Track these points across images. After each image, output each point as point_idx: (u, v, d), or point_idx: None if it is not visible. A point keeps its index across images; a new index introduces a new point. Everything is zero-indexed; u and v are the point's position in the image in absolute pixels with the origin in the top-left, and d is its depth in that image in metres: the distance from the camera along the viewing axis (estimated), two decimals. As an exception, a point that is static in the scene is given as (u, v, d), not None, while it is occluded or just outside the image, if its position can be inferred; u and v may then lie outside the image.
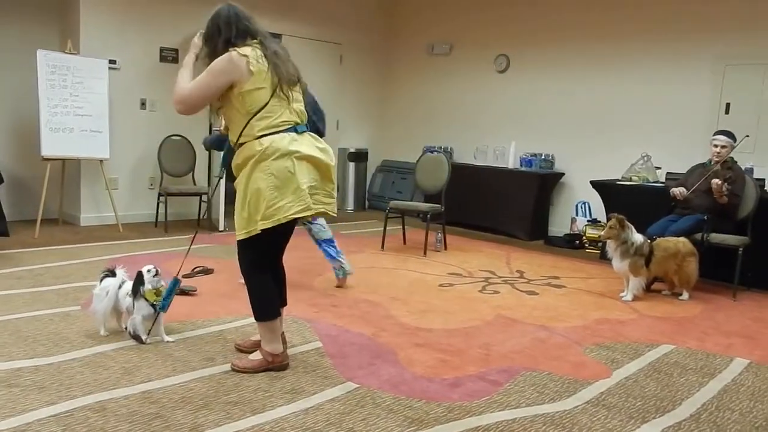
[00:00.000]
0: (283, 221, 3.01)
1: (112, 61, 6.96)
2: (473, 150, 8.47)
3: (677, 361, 3.71)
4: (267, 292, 3.21)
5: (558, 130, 7.85)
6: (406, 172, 8.96)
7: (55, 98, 6.46)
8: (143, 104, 7.38)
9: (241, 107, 3.05)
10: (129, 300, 3.51)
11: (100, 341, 3.53)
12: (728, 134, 5.43)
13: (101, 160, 6.80)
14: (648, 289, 5.23)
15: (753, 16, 6.29)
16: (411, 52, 9.42)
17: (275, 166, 2.99)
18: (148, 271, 3.51)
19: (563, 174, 7.81)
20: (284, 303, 3.45)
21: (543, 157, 7.79)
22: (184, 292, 4.53)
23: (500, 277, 5.63)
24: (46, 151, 6.41)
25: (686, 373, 3.53)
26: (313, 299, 4.60)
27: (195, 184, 7.52)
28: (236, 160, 3.13)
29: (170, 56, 7.51)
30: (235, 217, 3.10)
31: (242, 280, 3.28)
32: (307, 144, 3.08)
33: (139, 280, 3.50)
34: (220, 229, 7.09)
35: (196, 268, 5.16)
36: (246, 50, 3.03)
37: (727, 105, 6.50)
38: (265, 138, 3.01)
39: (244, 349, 3.48)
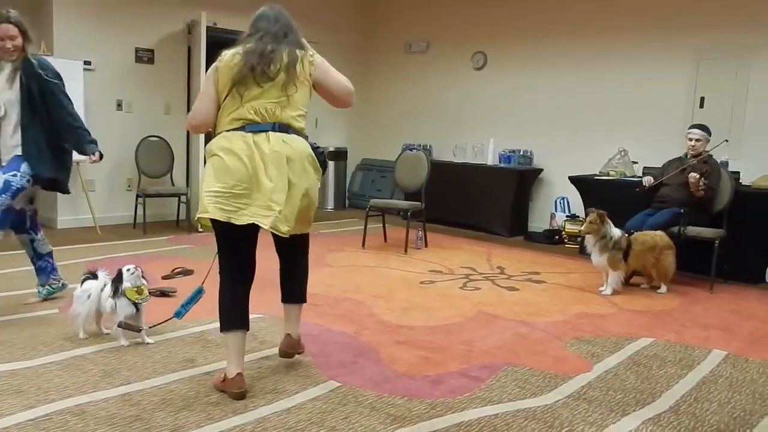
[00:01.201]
0: (205, 220, 2.83)
1: (86, 62, 6.89)
2: (452, 147, 8.49)
3: (656, 353, 3.75)
4: (221, 299, 2.96)
5: (536, 127, 7.89)
6: (386, 170, 8.96)
7: (29, 100, 6.36)
8: (119, 105, 7.30)
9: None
10: (111, 302, 3.49)
11: (79, 344, 3.49)
12: (703, 128, 5.49)
13: (77, 162, 6.71)
14: (627, 282, 5.28)
15: (727, 11, 6.37)
16: (389, 50, 9.42)
17: (206, 167, 2.89)
18: (128, 269, 3.49)
19: (542, 170, 7.86)
20: (292, 299, 3.29)
21: (521, 153, 7.83)
22: (164, 294, 4.49)
23: (481, 273, 5.65)
24: (21, 153, 6.31)
25: (665, 365, 3.56)
26: (294, 299, 4.58)
27: (173, 184, 7.47)
28: None
29: (146, 57, 7.44)
30: None
31: None
32: (243, 144, 2.78)
33: (118, 278, 3.48)
34: (199, 230, 7.03)
35: (176, 269, 5.13)
36: (229, 51, 2.95)
37: (702, 99, 6.58)
38: (216, 136, 2.90)
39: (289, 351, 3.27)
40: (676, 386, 3.27)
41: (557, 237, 7.32)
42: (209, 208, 2.77)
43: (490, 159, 7.96)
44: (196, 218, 3.00)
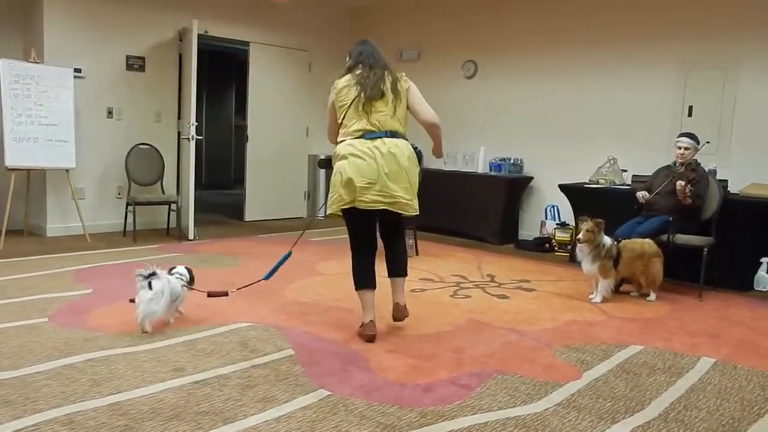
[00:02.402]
0: (336, 211, 3.80)
1: (77, 70, 6.88)
2: (443, 155, 8.50)
3: (645, 361, 3.77)
4: (354, 268, 3.92)
5: (526, 135, 7.93)
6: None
7: (19, 108, 6.36)
8: (110, 113, 7.29)
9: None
10: (184, 292, 4.10)
11: (67, 353, 3.47)
12: (691, 136, 5.54)
13: (67, 170, 6.70)
14: (616, 290, 5.30)
15: (713, 22, 6.43)
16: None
17: (336, 167, 3.76)
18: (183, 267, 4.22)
19: (532, 178, 7.89)
20: (393, 273, 4.04)
21: (512, 161, 7.86)
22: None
23: (471, 281, 5.66)
24: (11, 161, 6.30)
25: (654, 373, 3.58)
26: (285, 307, 4.58)
27: (164, 192, 7.46)
28: None
29: (136, 64, 7.44)
30: None
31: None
32: (365, 148, 3.68)
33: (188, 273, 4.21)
34: (190, 238, 7.02)
35: (165, 277, 5.10)
36: (342, 79, 3.88)
37: (690, 108, 6.63)
38: (339, 144, 3.80)
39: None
40: (665, 394, 3.29)
41: (547, 245, 7.34)
42: (342, 200, 3.74)
43: (481, 167, 7.99)
44: (327, 213, 3.91)
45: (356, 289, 3.93)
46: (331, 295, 4.98)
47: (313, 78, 9.10)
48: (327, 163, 9.19)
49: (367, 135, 3.72)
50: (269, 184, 8.82)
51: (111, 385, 3.08)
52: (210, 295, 4.27)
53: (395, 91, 3.79)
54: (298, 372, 3.36)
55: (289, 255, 4.27)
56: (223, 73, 12.58)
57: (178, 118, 7.83)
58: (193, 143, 7.06)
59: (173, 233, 7.29)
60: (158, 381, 3.17)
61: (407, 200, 3.76)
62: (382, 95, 3.75)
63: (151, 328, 3.89)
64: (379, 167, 3.66)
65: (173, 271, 4.15)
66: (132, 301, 4.50)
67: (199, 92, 8.24)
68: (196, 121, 7.14)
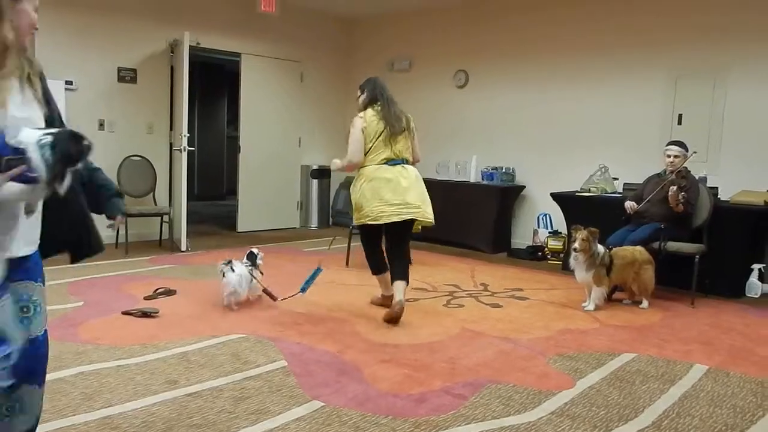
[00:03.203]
0: (366, 222, 4.57)
1: (68, 82, 6.87)
2: (435, 165, 8.53)
3: (639, 369, 3.77)
4: (368, 258, 4.83)
5: (518, 144, 7.96)
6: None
7: (10, 120, 6.33)
8: (101, 125, 7.28)
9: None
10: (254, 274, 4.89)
11: (58, 367, 3.45)
12: (681, 144, 5.57)
13: (58, 182, 6.67)
14: (609, 298, 5.31)
15: (702, 30, 6.49)
16: (371, 68, 9.44)
17: (369, 186, 4.55)
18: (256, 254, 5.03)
19: (524, 187, 7.91)
20: (401, 278, 4.63)
21: (504, 170, 7.88)
22: (146, 314, 4.46)
23: (465, 290, 5.67)
24: (1, 173, 6.27)
25: (647, 380, 3.59)
26: (278, 318, 4.57)
27: (156, 204, 7.44)
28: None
29: (128, 76, 7.44)
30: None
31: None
32: (391, 173, 4.54)
33: (253, 258, 4.99)
34: (182, 249, 7.00)
35: (158, 289, 5.09)
36: (368, 111, 4.64)
37: (680, 116, 6.67)
38: (367, 167, 4.60)
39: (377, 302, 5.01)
40: (658, 401, 3.29)
41: (540, 253, 7.36)
42: (379, 215, 4.51)
43: (473, 176, 8.01)
44: (357, 222, 4.73)
45: (376, 275, 4.86)
46: (325, 305, 4.97)
47: (305, 88, 9.12)
48: (320, 174, 9.26)
49: (390, 162, 4.57)
50: (262, 194, 8.82)
51: (102, 399, 3.07)
52: (264, 291, 4.91)
53: (409, 129, 4.70)
54: (291, 383, 3.35)
55: (319, 270, 5.04)
56: (215, 84, 12.58)
57: (170, 129, 7.82)
58: (185, 154, 7.05)
59: (166, 245, 7.27)
60: (150, 394, 3.15)
61: (428, 211, 4.66)
62: (403, 131, 4.62)
63: (237, 307, 4.71)
64: (403, 187, 4.53)
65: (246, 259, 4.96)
66: (125, 313, 4.51)
67: (191, 103, 8.26)
68: (188, 133, 7.14)
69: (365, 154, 4.60)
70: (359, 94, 4.77)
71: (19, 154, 1.66)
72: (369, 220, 4.54)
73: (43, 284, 2.15)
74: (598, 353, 4.04)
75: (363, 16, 9.49)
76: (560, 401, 3.25)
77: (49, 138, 1.70)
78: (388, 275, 4.76)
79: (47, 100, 2.10)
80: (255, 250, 5.06)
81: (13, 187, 1.69)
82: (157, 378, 3.37)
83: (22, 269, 1.98)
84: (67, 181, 1.75)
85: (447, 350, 4.00)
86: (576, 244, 5.00)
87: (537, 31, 7.73)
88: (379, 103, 4.63)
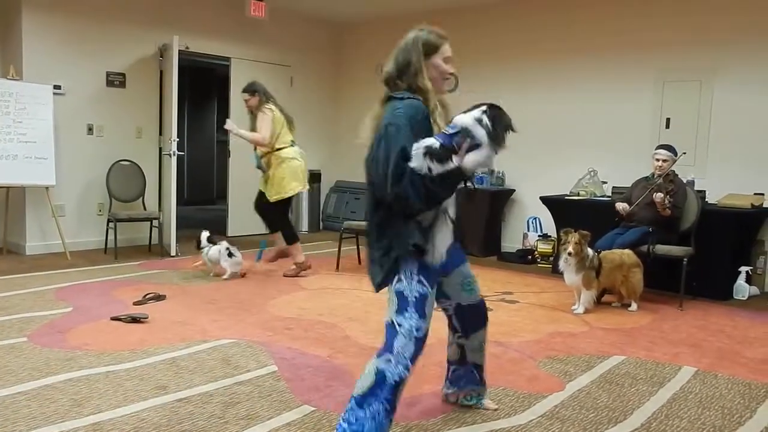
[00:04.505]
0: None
1: (56, 87, 6.84)
2: (425, 169, 8.54)
3: (628, 371, 3.79)
4: (291, 229, 6.17)
5: (507, 148, 7.95)
6: (360, 192, 8.98)
7: (-2, 125, 6.31)
8: (90, 130, 7.24)
9: None
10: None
11: (47, 374, 3.43)
12: (669, 148, 5.61)
13: (47, 187, 6.65)
14: (598, 301, 5.34)
15: (688, 34, 6.54)
16: (360, 72, 9.49)
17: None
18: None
19: (514, 191, 7.94)
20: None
21: (493, 174, 7.91)
22: (135, 320, 4.44)
23: (455, 294, 5.67)
24: (-11, 179, 6.25)
25: (636, 383, 3.61)
26: (268, 322, 4.56)
27: (145, 209, 7.41)
28: None
29: (117, 81, 7.41)
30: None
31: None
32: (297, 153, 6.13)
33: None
34: (172, 254, 6.97)
35: (147, 294, 5.07)
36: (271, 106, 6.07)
37: (668, 120, 6.72)
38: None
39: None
40: (647, 404, 3.31)
41: (530, 257, 7.38)
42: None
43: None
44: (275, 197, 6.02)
45: (297, 242, 6.15)
46: (315, 309, 4.96)
47: (295, 93, 9.11)
48: (310, 178, 9.21)
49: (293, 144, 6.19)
50: (252, 199, 8.75)
51: (92, 405, 3.05)
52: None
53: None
54: (281, 388, 3.35)
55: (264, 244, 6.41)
56: (204, 88, 12.55)
57: (160, 134, 7.80)
58: (174, 159, 7.03)
59: (155, 250, 7.24)
60: (140, 400, 3.14)
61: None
62: (291, 121, 6.31)
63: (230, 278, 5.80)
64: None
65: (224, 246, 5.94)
66: (114, 319, 4.49)
67: (180, 108, 8.23)
68: (178, 137, 7.12)
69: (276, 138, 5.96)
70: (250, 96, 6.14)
71: (461, 133, 2.41)
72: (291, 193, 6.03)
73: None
74: (588, 356, 4.06)
75: (352, 21, 9.51)
76: (550, 404, 3.26)
77: (483, 114, 2.50)
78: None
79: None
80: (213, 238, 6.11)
81: (470, 157, 2.41)
82: (146, 384, 3.35)
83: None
84: (505, 143, 2.51)
85: (438, 354, 3.98)
86: (570, 248, 5.01)
87: (524, 36, 7.77)
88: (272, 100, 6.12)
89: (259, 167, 6.14)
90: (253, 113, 6.15)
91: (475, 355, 3.12)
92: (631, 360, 4.00)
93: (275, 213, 6.14)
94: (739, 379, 3.73)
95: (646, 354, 4.13)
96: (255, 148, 6.19)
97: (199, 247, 6.09)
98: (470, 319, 3.06)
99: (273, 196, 6.00)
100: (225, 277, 5.86)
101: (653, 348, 4.27)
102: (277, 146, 6.01)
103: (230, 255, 5.89)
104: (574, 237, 5.03)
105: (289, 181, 5.99)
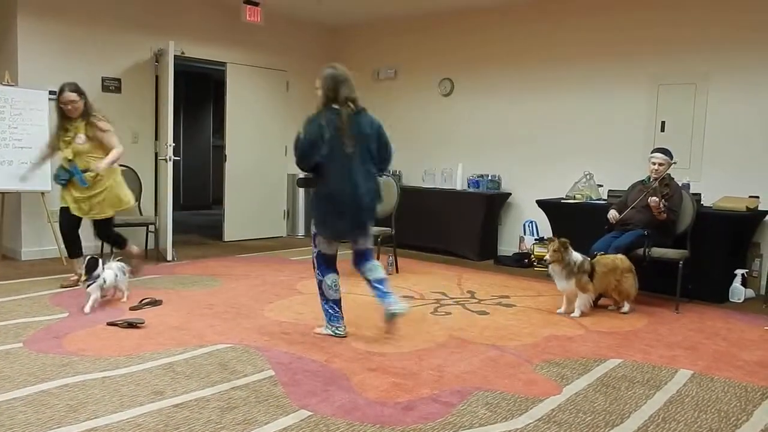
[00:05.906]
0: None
1: (52, 92, 6.80)
2: (421, 173, 8.57)
3: (624, 374, 3.80)
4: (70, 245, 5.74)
5: (503, 152, 8.00)
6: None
7: (-7, 130, 6.29)
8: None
9: None
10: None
11: (43, 379, 3.42)
12: (665, 152, 5.63)
13: (42, 193, 6.63)
14: (594, 304, 5.34)
15: (682, 38, 6.57)
16: (357, 77, 9.36)
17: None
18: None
19: (510, 194, 7.95)
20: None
21: (490, 178, 7.93)
22: (132, 325, 4.43)
23: (452, 298, 5.68)
24: (-16, 184, 6.23)
25: (633, 386, 3.61)
26: (265, 327, 4.55)
27: (141, 214, 7.39)
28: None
29: (112, 86, 7.40)
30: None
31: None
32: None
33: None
34: (168, 259, 6.96)
35: (143, 299, 5.06)
36: None
37: (662, 123, 6.75)
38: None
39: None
40: (644, 407, 3.31)
41: (526, 260, 7.39)
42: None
43: (459, 184, 8.04)
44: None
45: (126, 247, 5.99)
46: (312, 314, 4.96)
47: (291, 97, 9.12)
48: (306, 182, 9.23)
49: None
50: (248, 203, 8.80)
51: (88, 411, 3.04)
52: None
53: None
54: (278, 393, 3.34)
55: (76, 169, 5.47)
56: (200, 93, 12.56)
57: (156, 139, 7.80)
58: (170, 164, 7.03)
59: (151, 255, 7.22)
60: (137, 405, 3.13)
61: None
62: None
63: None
64: None
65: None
66: (110, 324, 4.48)
67: (176, 113, 8.21)
68: (174, 142, 7.12)
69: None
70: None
71: None
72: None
73: None
74: (584, 359, 4.06)
75: (348, 25, 9.52)
76: (547, 408, 3.26)
77: None
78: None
79: None
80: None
81: None
82: (143, 389, 3.34)
83: None
84: None
85: (434, 358, 4.00)
86: (547, 256, 5.07)
87: (522, 41, 7.79)
88: None
89: (81, 182, 5.41)
90: (71, 118, 5.47)
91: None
92: (628, 363, 4.01)
93: (110, 226, 5.83)
94: (735, 381, 3.73)
95: (642, 357, 4.14)
96: (76, 164, 5.44)
97: (90, 278, 4.79)
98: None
99: (113, 208, 5.65)
100: (124, 300, 5.12)
101: (650, 351, 4.28)
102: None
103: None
104: (553, 245, 5.08)
105: (124, 188, 5.72)
